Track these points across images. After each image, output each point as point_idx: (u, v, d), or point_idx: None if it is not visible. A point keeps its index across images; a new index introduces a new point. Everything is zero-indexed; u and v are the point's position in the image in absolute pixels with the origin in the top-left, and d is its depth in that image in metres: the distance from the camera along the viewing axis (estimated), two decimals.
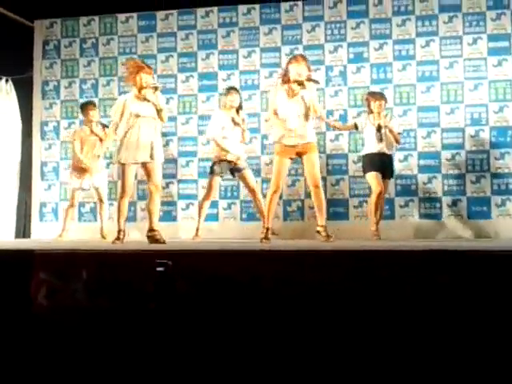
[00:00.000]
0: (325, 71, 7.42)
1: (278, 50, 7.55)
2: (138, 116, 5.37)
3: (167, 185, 7.52)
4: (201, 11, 7.76)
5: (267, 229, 5.43)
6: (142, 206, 7.38)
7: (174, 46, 7.78)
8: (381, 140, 6.39)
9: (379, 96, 6.55)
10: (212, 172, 6.67)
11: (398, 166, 7.05)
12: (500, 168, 6.98)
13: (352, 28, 7.41)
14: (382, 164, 6.43)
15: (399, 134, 6.57)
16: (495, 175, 6.98)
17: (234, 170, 6.66)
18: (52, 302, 3.91)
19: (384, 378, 3.30)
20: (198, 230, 6.68)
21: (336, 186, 7.29)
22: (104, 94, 7.93)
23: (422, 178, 7.10)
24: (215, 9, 7.73)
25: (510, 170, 6.94)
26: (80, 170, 7.02)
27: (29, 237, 7.83)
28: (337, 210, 7.26)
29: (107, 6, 7.75)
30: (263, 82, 7.54)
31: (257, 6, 7.62)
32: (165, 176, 6.78)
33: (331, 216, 7.09)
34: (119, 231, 5.46)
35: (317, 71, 6.91)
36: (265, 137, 7.49)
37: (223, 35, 7.69)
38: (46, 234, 7.65)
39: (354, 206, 7.24)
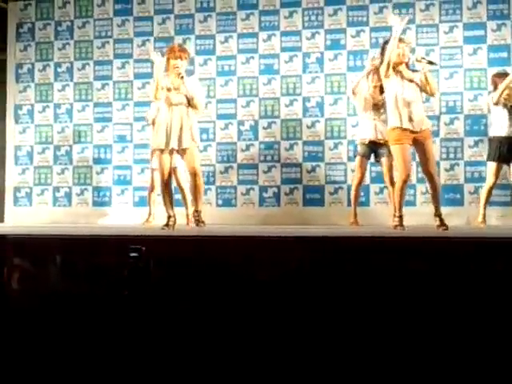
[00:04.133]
0: (301, 58, 7.41)
1: (255, 35, 7.51)
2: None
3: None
4: None
5: (400, 216, 5.23)
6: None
7: (150, 30, 7.71)
8: (510, 122, 6.17)
9: (506, 76, 6.28)
10: (357, 153, 6.46)
11: None
12: (473, 156, 7.03)
13: (329, 15, 7.39)
14: (508, 149, 6.19)
15: None
16: (469, 163, 7.04)
17: (377, 153, 6.34)
18: (24, 287, 3.87)
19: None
20: (355, 215, 6.43)
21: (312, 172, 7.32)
22: (79, 77, 7.83)
23: None
24: None
25: (483, 158, 6.99)
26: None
27: (2, 221, 7.76)
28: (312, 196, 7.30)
29: None
30: (240, 67, 7.52)
31: None
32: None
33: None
34: (169, 217, 5.46)
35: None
36: (241, 123, 7.47)
37: (200, 20, 7.63)
38: (20, 219, 7.59)
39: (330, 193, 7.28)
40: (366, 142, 6.30)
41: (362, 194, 6.89)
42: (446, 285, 3.35)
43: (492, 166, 6.29)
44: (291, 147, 7.38)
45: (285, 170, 7.37)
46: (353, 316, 3.40)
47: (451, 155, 7.07)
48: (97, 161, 7.77)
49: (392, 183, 6.28)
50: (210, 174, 7.47)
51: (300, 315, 3.49)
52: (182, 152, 5.46)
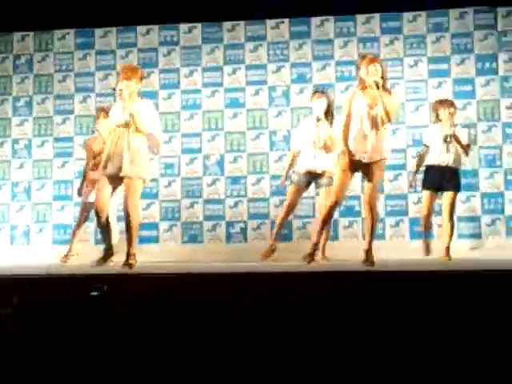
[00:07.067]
0: (267, 91, 7.35)
1: (220, 69, 7.44)
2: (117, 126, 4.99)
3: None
4: (141, 29, 7.60)
5: (315, 244, 5.04)
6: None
7: (112, 63, 7.57)
8: (449, 152, 5.95)
9: (449, 104, 6.09)
10: (291, 182, 6.04)
11: None
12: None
13: (295, 49, 7.37)
14: (441, 178, 5.97)
15: (468, 145, 6.07)
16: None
17: (315, 184, 5.98)
18: None
19: None
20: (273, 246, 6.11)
21: None
22: (39, 111, 7.63)
23: None
24: (156, 27, 7.58)
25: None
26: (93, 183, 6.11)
27: None
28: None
29: (43, 22, 7.47)
30: (205, 101, 7.42)
31: (198, 25, 7.52)
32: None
33: None
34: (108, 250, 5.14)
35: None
36: (206, 157, 7.34)
37: (164, 54, 7.55)
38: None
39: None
40: (302, 173, 5.94)
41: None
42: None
43: (425, 194, 6.08)
44: (258, 182, 7.26)
45: (252, 205, 7.24)
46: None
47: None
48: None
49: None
50: (175, 210, 7.29)
51: (270, 352, 3.37)
52: (124, 182, 4.97)
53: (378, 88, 4.77)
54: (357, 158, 4.85)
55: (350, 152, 4.85)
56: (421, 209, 6.76)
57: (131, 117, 4.88)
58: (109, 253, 5.10)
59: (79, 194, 6.53)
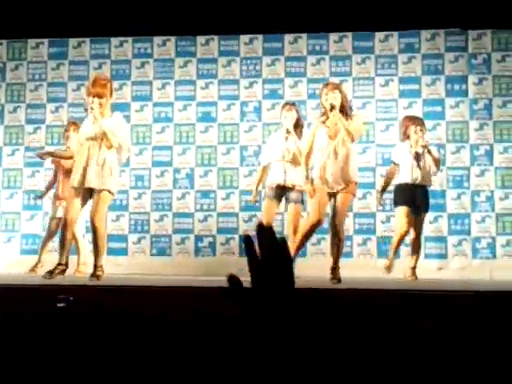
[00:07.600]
0: (239, 106, 7.39)
1: (192, 83, 7.46)
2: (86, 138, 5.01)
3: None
4: (115, 41, 7.61)
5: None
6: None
7: (86, 74, 7.55)
8: (419, 169, 5.83)
9: (419, 121, 5.97)
10: (265, 196, 5.95)
11: None
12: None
13: (267, 65, 7.43)
14: (415, 197, 5.83)
15: (439, 160, 5.99)
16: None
17: (285, 198, 5.81)
18: None
19: None
20: None
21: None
22: (10, 120, 7.59)
23: None
24: (130, 39, 7.59)
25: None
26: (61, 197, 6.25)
27: None
28: None
29: (17, 31, 7.44)
30: (177, 114, 7.43)
31: (172, 38, 7.54)
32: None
33: None
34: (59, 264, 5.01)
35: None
36: (177, 171, 7.34)
37: (137, 66, 7.55)
38: None
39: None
40: (274, 187, 5.81)
41: None
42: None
43: (403, 211, 5.85)
44: (228, 196, 7.28)
45: (221, 220, 7.25)
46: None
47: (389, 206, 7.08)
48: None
49: (296, 233, 5.69)
50: (145, 222, 7.27)
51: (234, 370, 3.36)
52: (93, 195, 4.97)
53: (332, 109, 4.91)
54: (322, 187, 4.97)
55: (313, 182, 5.02)
56: (389, 227, 6.89)
57: (104, 134, 4.92)
58: (61, 268, 4.97)
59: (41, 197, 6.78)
